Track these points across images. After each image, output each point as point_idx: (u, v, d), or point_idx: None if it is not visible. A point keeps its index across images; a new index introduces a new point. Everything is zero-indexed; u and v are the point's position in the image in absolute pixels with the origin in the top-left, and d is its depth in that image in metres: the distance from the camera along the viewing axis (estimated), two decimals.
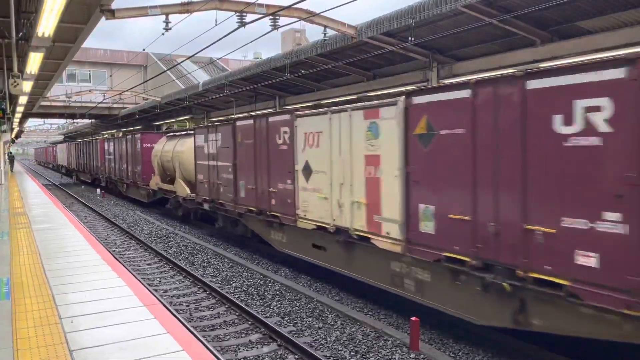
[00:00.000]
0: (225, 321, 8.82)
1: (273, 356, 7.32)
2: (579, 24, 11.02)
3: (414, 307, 8.84)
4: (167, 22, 12.00)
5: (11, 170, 36.92)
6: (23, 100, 21.74)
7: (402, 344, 7.51)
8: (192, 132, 17.02)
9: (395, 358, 7.11)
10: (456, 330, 8.11)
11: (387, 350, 7.35)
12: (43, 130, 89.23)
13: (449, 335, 7.97)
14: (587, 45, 11.01)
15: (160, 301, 7.39)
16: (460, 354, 7.36)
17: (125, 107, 39.21)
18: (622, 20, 10.39)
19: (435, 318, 8.54)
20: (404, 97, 7.84)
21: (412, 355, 7.16)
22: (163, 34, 12.45)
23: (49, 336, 4.90)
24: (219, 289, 10.26)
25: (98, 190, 32.15)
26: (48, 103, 35.08)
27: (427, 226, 7.49)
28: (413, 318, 7.36)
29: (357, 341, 7.72)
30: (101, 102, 35.25)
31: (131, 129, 43.92)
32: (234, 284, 11.03)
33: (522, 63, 12.40)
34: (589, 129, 5.38)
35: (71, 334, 4.96)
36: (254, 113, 19.24)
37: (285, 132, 11.10)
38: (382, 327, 8.16)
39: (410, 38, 12.05)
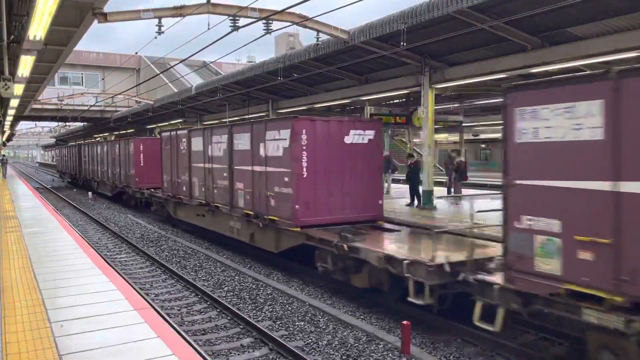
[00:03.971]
0: (216, 325, 8.80)
1: None
2: (570, 30, 11.13)
3: (406, 311, 8.87)
4: (160, 25, 11.99)
5: (4, 176, 35.75)
6: (14, 103, 21.62)
7: (394, 348, 7.53)
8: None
9: None
10: (447, 334, 8.14)
11: (379, 354, 7.36)
12: (35, 133, 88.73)
13: (440, 339, 7.99)
14: (577, 51, 11.12)
15: (151, 305, 7.36)
16: (451, 357, 7.39)
17: (118, 110, 39.06)
18: (611, 26, 10.51)
19: (426, 322, 8.56)
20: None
21: (404, 359, 7.17)
22: (156, 37, 12.44)
23: (39, 340, 4.87)
24: (210, 293, 10.24)
25: (90, 193, 31.99)
26: (40, 106, 34.84)
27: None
28: (404, 322, 7.38)
29: (349, 345, 7.73)
30: (93, 105, 35.09)
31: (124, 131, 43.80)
32: (226, 288, 11.00)
33: (514, 68, 12.52)
34: None
35: (61, 338, 4.94)
36: None
37: None
38: (374, 331, 8.17)
39: (402, 43, 12.11)
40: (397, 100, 20.71)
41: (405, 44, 12.13)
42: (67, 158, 46.94)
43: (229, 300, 10.14)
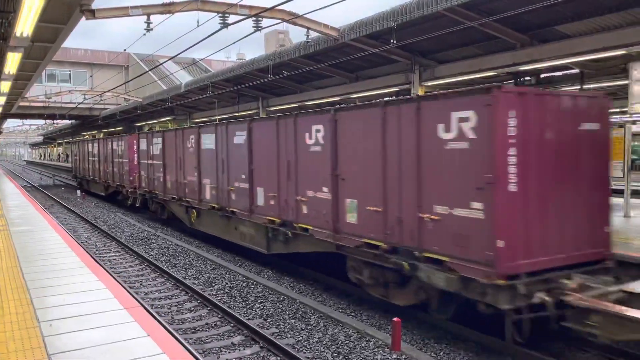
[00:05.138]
0: (207, 323, 8.78)
1: (255, 358, 7.31)
2: (558, 28, 11.21)
3: (396, 308, 8.90)
4: (148, 22, 11.91)
5: None
6: (1, 100, 21.38)
7: (384, 345, 7.55)
8: None
9: (377, 358, 7.15)
10: (437, 331, 8.18)
11: (369, 351, 7.39)
12: (22, 131, 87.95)
13: (430, 336, 8.03)
14: (565, 49, 11.21)
15: (141, 304, 7.34)
16: (441, 354, 7.43)
17: (107, 108, 38.79)
18: (599, 24, 10.60)
19: (416, 318, 8.60)
20: None
21: (394, 356, 7.20)
22: (144, 34, 12.35)
23: (27, 340, 4.83)
24: (201, 291, 10.21)
25: (78, 192, 31.73)
26: (27, 103, 34.51)
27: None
28: (395, 319, 7.40)
29: (340, 342, 7.75)
30: (81, 103, 34.81)
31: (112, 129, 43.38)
32: (216, 286, 10.98)
33: (503, 66, 12.58)
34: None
35: (50, 337, 4.90)
36: None
37: None
38: (365, 328, 8.19)
39: (392, 40, 12.13)
40: (388, 98, 20.75)
41: (395, 41, 12.14)
42: (101, 159, 27.37)
43: (219, 298, 10.12)
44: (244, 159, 12.38)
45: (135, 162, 21.38)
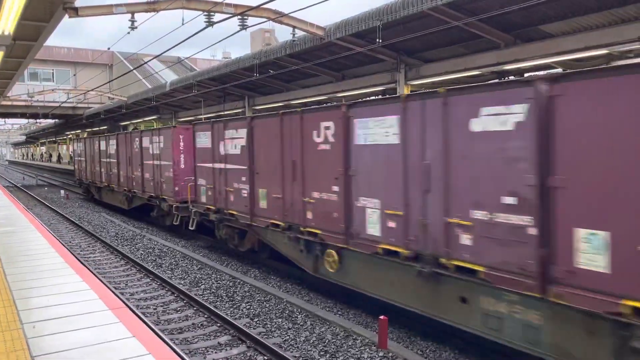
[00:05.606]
0: (193, 324, 8.74)
1: (242, 358, 7.29)
2: (541, 28, 11.33)
3: (383, 306, 8.93)
4: (132, 20, 11.80)
5: None
6: None
7: (371, 343, 7.59)
8: None
9: (364, 357, 7.18)
10: (424, 328, 8.23)
11: (356, 349, 7.41)
12: (3, 131, 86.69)
13: (416, 333, 8.08)
14: (548, 49, 11.33)
15: (126, 304, 7.29)
16: (427, 351, 7.48)
17: (90, 107, 38.35)
18: (581, 24, 10.72)
19: (403, 316, 8.64)
20: None
21: (381, 354, 7.23)
22: (129, 32, 12.24)
23: (10, 342, 4.77)
24: (187, 291, 10.16)
25: (62, 191, 31.37)
26: (9, 102, 34.00)
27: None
28: (381, 317, 7.44)
29: (327, 341, 7.76)
30: (65, 102, 34.38)
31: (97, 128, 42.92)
32: (202, 286, 10.93)
33: (487, 65, 12.67)
34: None
35: (33, 339, 4.84)
36: None
37: None
38: (351, 327, 8.22)
39: (378, 40, 12.16)
40: (374, 97, 20.79)
41: (380, 40, 12.17)
42: (121, 161, 21.71)
43: (205, 298, 10.08)
44: (506, 167, 6.04)
45: (183, 166, 16.40)
